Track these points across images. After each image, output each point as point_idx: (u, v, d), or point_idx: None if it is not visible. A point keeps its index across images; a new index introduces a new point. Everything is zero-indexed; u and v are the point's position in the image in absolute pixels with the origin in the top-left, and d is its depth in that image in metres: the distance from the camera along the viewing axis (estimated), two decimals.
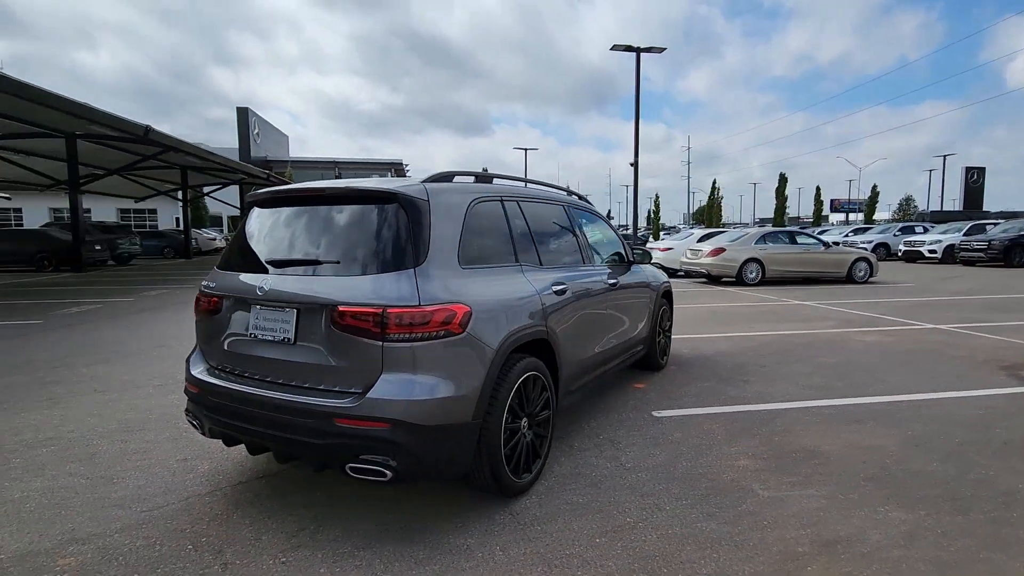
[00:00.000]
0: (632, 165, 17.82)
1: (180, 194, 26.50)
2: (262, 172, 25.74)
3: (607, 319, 4.02)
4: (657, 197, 39.23)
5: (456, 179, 3.07)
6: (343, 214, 2.65)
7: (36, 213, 35.54)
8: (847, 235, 25.84)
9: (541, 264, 3.32)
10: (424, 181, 2.78)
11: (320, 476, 3.07)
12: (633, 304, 4.62)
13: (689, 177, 60.77)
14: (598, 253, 4.41)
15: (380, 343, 2.31)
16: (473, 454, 2.55)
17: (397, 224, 2.52)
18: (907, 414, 4.08)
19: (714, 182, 42.16)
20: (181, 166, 23.58)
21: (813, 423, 3.91)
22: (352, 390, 2.35)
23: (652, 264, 5.70)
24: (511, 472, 2.75)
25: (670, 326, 5.62)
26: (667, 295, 5.51)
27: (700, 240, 15.38)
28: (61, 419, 4.09)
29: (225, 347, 2.75)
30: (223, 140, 42.12)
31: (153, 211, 38.76)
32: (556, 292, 3.26)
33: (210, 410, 2.70)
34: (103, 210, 34.04)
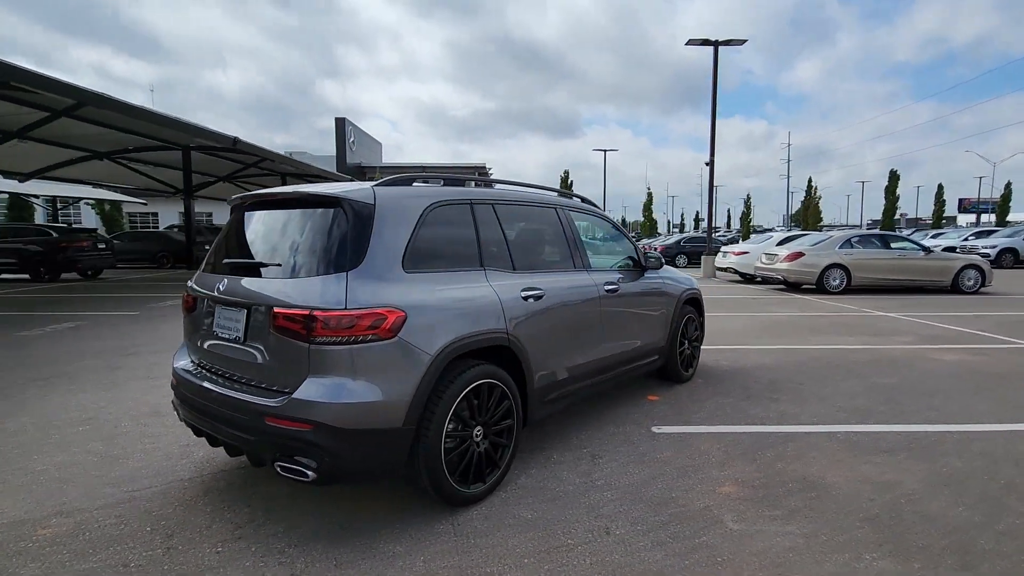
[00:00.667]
0: (707, 164, 16.89)
1: None
2: (347, 179, 27.30)
3: (603, 326, 3.84)
4: (749, 197, 37.04)
5: (429, 183, 3.07)
6: (295, 218, 2.73)
7: (169, 216, 40.06)
8: (966, 239, 22.86)
9: (514, 269, 3.23)
10: (378, 185, 2.81)
11: None
12: (642, 312, 4.38)
13: (788, 176, 56.63)
14: (600, 258, 4.23)
15: (307, 345, 2.36)
16: (405, 460, 2.53)
17: (338, 228, 2.56)
18: (953, 447, 3.53)
19: (810, 180, 38.85)
20: (281, 173, 25.57)
21: (830, 451, 3.49)
22: (283, 390, 2.42)
23: (681, 270, 5.38)
24: (456, 481, 2.69)
25: (699, 336, 5.26)
26: (693, 303, 5.18)
27: (780, 243, 14.28)
28: (108, 401, 4.56)
29: (197, 343, 2.94)
30: (328, 148, 45.10)
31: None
32: (527, 298, 3.16)
33: (182, 401, 2.90)
34: (224, 214, 37.90)
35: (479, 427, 2.83)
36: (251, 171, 22.50)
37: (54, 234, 15.81)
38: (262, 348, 2.53)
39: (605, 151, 36.34)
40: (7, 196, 32.29)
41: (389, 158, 54.42)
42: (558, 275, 3.56)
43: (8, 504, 2.85)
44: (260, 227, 2.89)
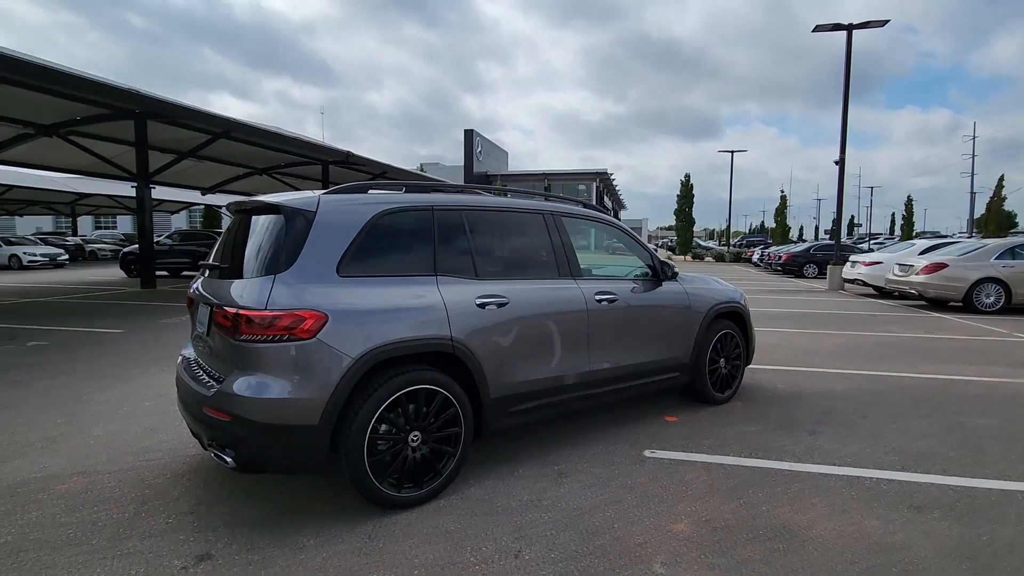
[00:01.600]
0: (837, 163, 14.92)
1: None
2: (457, 186, 28.78)
3: (593, 338, 3.63)
4: (910, 200, 32.14)
5: (389, 191, 3.17)
6: (254, 224, 2.97)
7: None
8: None
9: (477, 276, 3.19)
10: (330, 193, 2.95)
11: None
12: (653, 324, 4.06)
13: (973, 173, 48.09)
14: (607, 267, 4.01)
15: (234, 341, 2.56)
16: (324, 457, 2.62)
17: (279, 234, 2.74)
18: (1015, 511, 2.79)
19: (1000, 179, 32.41)
20: (405, 184, 27.65)
21: (840, 498, 2.95)
22: (218, 382, 2.65)
23: (720, 280, 4.90)
24: (385, 484, 2.73)
25: (740, 354, 4.73)
26: (733, 317, 4.67)
27: (923, 252, 12.22)
28: None
29: (191, 336, 3.32)
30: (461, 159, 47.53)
31: None
32: (485, 305, 3.11)
33: (177, 387, 3.30)
34: None
35: (416, 432, 2.84)
36: (378, 180, 24.60)
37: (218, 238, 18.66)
38: (212, 343, 2.79)
39: (732, 152, 33.84)
40: (203, 207, 38.83)
41: (522, 166, 56.30)
42: (535, 284, 3.44)
43: (54, 462, 3.45)
44: (235, 232, 3.18)
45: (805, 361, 6.21)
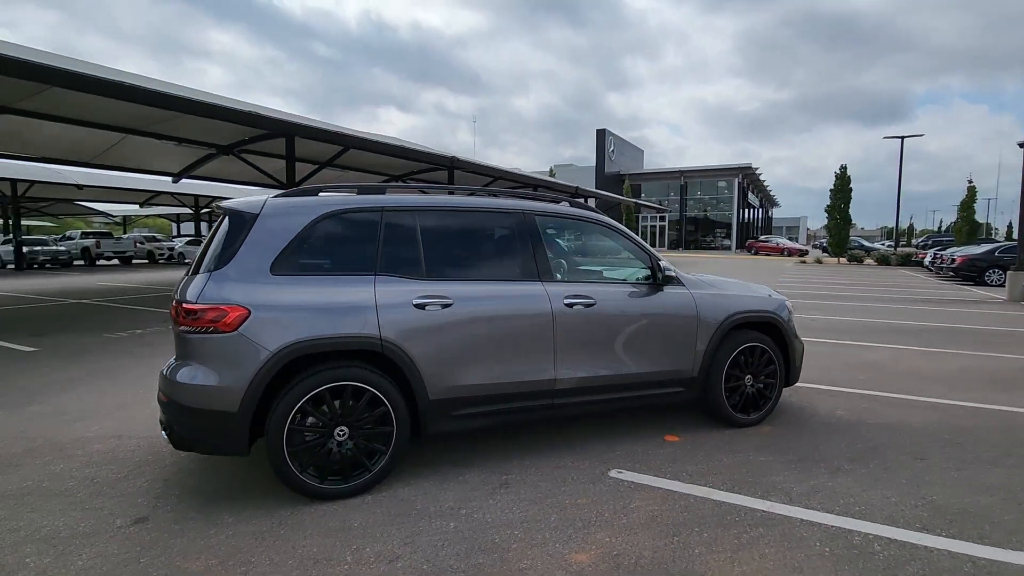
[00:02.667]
0: (1023, 146, 12.00)
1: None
2: (569, 187, 28.49)
3: (562, 344, 3.40)
4: None
5: (341, 192, 3.29)
6: (219, 226, 3.26)
7: None
8: None
9: (426, 276, 3.18)
10: (279, 196, 3.15)
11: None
12: (642, 332, 3.68)
13: None
14: (595, 270, 3.75)
15: (177, 332, 2.86)
16: (244, 442, 2.80)
17: (225, 235, 2.98)
18: None
19: None
20: (522, 185, 28.19)
21: (802, 554, 2.42)
22: (170, 368, 2.97)
23: (757, 286, 4.29)
24: (302, 472, 2.85)
25: (775, 371, 4.09)
26: (764, 328, 4.08)
27: None
28: None
29: None
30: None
31: None
32: (424, 306, 3.08)
33: None
34: None
35: (343, 427, 2.92)
36: (500, 183, 25.41)
37: None
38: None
39: (902, 138, 28.87)
40: None
41: (667, 163, 54.13)
42: (489, 285, 3.32)
43: (109, 425, 4.12)
44: (210, 234, 3.52)
45: (897, 385, 5.16)
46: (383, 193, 3.36)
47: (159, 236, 34.81)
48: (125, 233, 34.66)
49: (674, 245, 47.10)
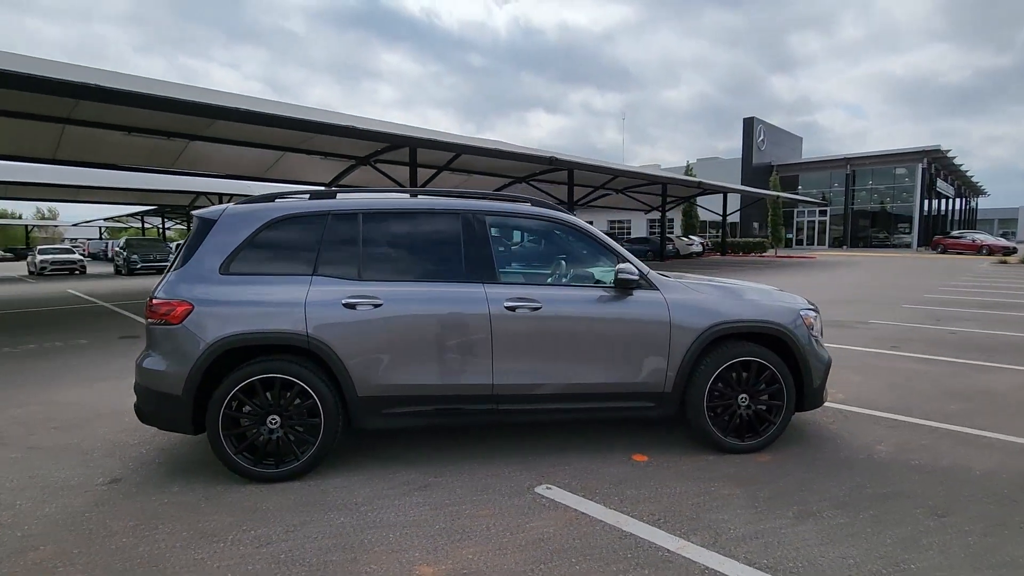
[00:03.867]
0: None
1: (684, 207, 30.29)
2: (690, 182, 26.47)
3: (497, 348, 3.27)
4: None
5: (294, 198, 3.53)
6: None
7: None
8: None
9: (360, 278, 3.28)
10: (242, 203, 3.46)
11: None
12: (600, 339, 3.39)
13: None
14: (552, 271, 3.55)
15: (145, 323, 3.31)
16: (189, 421, 3.13)
17: (190, 239, 3.37)
18: None
19: None
20: (662, 183, 27.02)
21: None
22: None
23: (768, 290, 3.70)
24: (236, 455, 3.11)
25: (780, 391, 3.48)
26: (766, 341, 3.51)
27: None
28: None
29: None
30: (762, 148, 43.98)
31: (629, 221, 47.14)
32: (352, 306, 3.18)
33: None
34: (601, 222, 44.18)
35: (275, 416, 3.14)
36: (619, 181, 24.71)
37: None
38: None
39: None
40: None
41: (843, 149, 48.30)
42: (423, 286, 3.32)
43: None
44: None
45: (995, 420, 4.06)
46: (333, 198, 3.53)
47: None
48: None
49: (837, 243, 41.58)
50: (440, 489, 3.07)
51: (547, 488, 3.06)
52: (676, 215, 37.63)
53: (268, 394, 3.14)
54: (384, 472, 3.28)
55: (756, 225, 41.51)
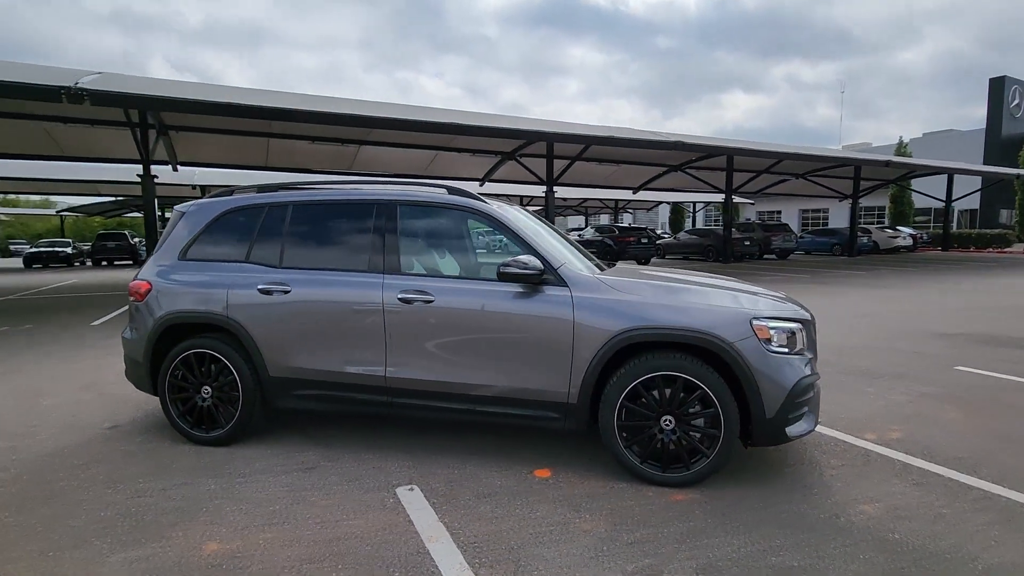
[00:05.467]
0: None
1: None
2: (877, 161, 21.45)
3: (390, 340, 3.21)
4: None
5: (247, 192, 3.86)
6: None
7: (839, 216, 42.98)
8: None
9: (280, 265, 3.47)
10: (211, 196, 3.90)
11: None
12: (495, 338, 3.10)
13: None
14: (458, 264, 3.36)
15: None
16: (151, 384, 3.65)
17: (167, 228, 3.91)
18: None
19: None
20: (850, 164, 23.07)
21: None
22: None
23: (726, 289, 3.02)
24: (180, 418, 3.55)
25: (717, 417, 2.80)
26: (701, 353, 2.86)
27: None
28: None
29: None
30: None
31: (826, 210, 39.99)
32: (267, 291, 3.40)
33: None
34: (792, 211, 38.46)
35: (207, 387, 3.53)
36: (789, 164, 21.64)
37: (616, 231, 21.05)
38: None
39: None
40: (671, 204, 43.58)
41: None
42: (331, 275, 3.38)
43: None
44: None
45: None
46: (276, 191, 3.78)
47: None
48: None
49: None
50: (318, 472, 3.13)
51: (409, 489, 2.92)
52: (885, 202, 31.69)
53: (203, 368, 3.52)
54: (293, 450, 3.45)
55: (1006, 213, 32.90)
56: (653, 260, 22.74)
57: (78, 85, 8.40)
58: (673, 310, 2.92)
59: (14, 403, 4.46)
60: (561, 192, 31.27)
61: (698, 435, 2.87)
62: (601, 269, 4.04)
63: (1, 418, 4.11)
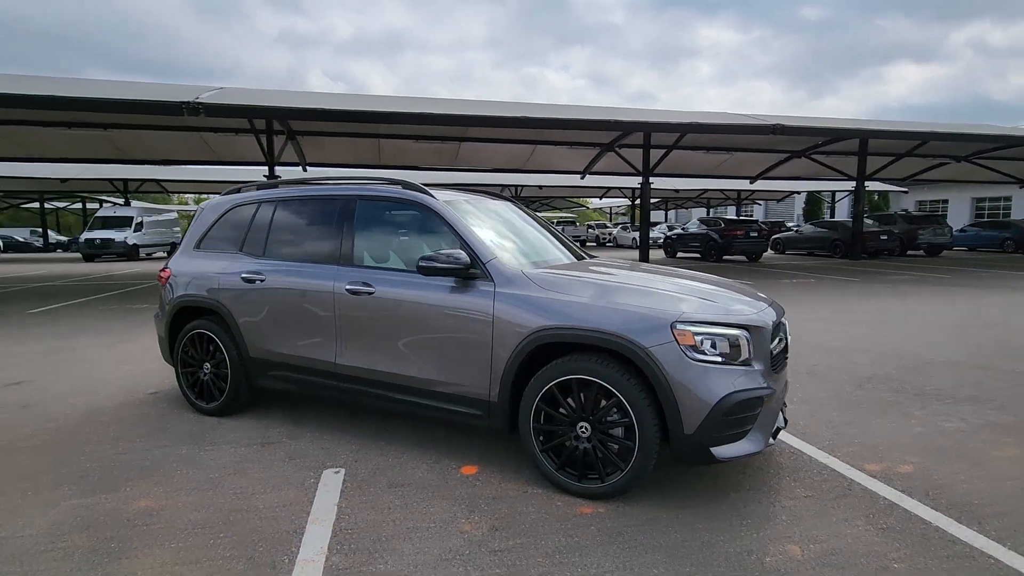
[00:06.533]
0: None
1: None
2: (1016, 138, 17.10)
3: (340, 329, 3.38)
4: None
5: (256, 189, 4.23)
6: None
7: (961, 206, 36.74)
8: None
9: (263, 255, 3.78)
10: (225, 193, 4.33)
11: None
12: (422, 332, 3.12)
13: None
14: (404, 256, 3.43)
15: None
16: (171, 356, 4.18)
17: (192, 222, 4.42)
18: None
19: None
20: (257, 183, 19.59)
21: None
22: None
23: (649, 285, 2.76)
24: (189, 388, 4.04)
25: (633, 428, 2.57)
26: (614, 355, 2.65)
27: None
28: None
29: None
30: None
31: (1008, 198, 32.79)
32: (248, 279, 3.73)
33: None
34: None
35: (207, 364, 3.96)
36: (934, 146, 18.43)
37: (722, 224, 19.59)
38: None
39: None
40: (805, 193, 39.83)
41: None
42: (297, 266, 3.60)
43: None
44: None
45: None
46: (271, 189, 4.10)
47: (607, 224, 41.34)
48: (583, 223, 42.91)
49: None
50: (272, 448, 3.38)
51: (335, 471, 3.06)
52: None
53: (203, 347, 3.97)
54: (268, 426, 3.76)
55: None
56: (766, 256, 20.86)
57: (197, 100, 9.75)
58: (590, 310, 2.71)
59: (104, 366, 5.35)
60: (668, 183, 29.88)
61: (616, 446, 2.65)
62: (580, 259, 3.89)
63: (89, 376, 4.97)
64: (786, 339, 3.08)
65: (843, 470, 3.01)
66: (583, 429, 2.70)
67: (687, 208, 54.10)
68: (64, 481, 2.96)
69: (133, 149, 18.47)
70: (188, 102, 9.56)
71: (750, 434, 2.63)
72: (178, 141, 17.74)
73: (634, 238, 29.39)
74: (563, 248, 4.00)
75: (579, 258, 3.95)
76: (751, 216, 46.82)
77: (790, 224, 34.09)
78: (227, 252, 4.01)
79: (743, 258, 19.85)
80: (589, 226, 38.21)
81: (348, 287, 3.35)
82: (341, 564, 2.22)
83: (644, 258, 17.20)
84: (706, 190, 37.20)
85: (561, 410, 2.74)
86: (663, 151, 17.47)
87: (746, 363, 2.62)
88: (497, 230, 3.49)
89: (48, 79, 13.96)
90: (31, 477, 3.02)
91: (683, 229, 21.56)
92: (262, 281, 3.69)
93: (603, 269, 3.36)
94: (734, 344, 2.60)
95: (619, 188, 34.11)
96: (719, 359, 2.56)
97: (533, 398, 2.79)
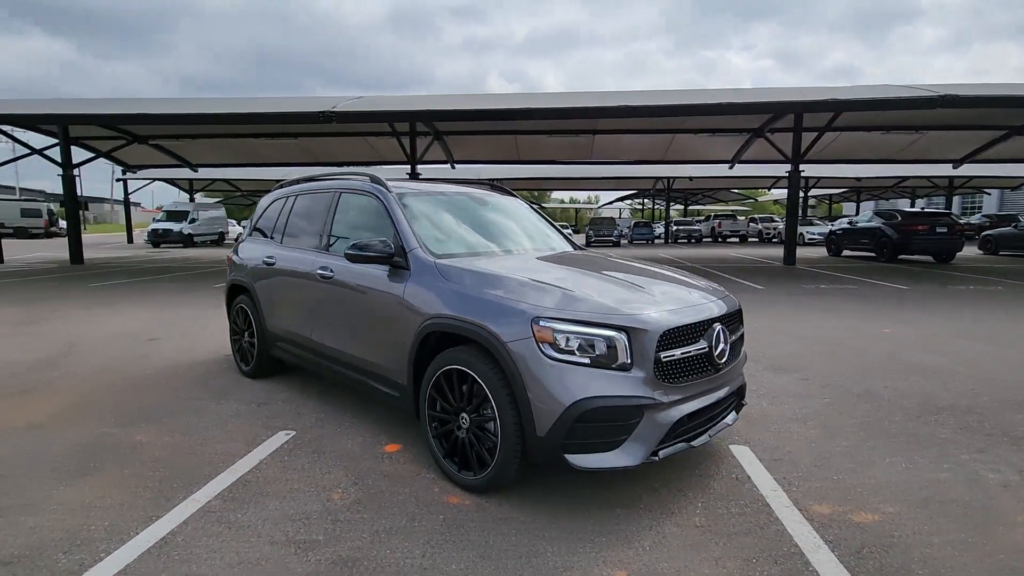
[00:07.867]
0: None
1: None
2: None
3: (315, 309, 3.79)
4: None
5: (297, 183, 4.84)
6: None
7: None
8: None
9: (281, 242, 4.36)
10: (281, 185, 5.02)
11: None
12: (359, 315, 3.39)
13: None
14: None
15: None
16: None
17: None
18: None
19: None
20: (298, 178, 13.26)
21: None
22: None
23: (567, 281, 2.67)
24: (234, 354, 4.84)
25: (495, 421, 2.52)
26: (478, 347, 2.60)
27: None
28: None
29: None
30: None
31: None
32: (266, 262, 4.34)
33: None
34: None
35: (246, 333, 4.70)
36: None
37: (898, 217, 16.47)
38: None
39: None
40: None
41: None
42: (295, 252, 4.08)
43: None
44: None
45: None
46: (296, 184, 4.65)
47: (775, 218, 37.22)
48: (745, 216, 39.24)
49: None
50: (260, 408, 3.89)
51: (286, 434, 3.44)
52: None
53: (243, 320, 4.71)
54: (277, 388, 4.32)
55: None
56: (968, 258, 17.04)
57: (334, 108, 11.18)
58: (467, 300, 2.69)
59: (213, 332, 6.57)
60: (837, 170, 25.83)
61: (489, 441, 2.60)
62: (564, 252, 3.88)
63: (200, 337, 6.17)
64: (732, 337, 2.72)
65: (778, 507, 2.54)
66: (463, 420, 2.70)
67: (887, 199, 46.29)
68: (111, 415, 3.80)
69: (320, 153, 21.66)
70: (323, 111, 11.02)
71: (624, 445, 2.39)
72: (350, 144, 20.39)
73: (802, 233, 26.15)
74: (556, 240, 4.04)
75: (572, 250, 4.00)
76: (958, 208, 38.49)
77: None
78: (262, 239, 4.68)
79: (930, 259, 16.51)
80: (752, 220, 34.71)
81: (319, 271, 3.73)
82: (216, 507, 2.57)
83: (790, 259, 15.30)
84: (905, 177, 31.55)
85: (450, 399, 2.77)
86: (815, 134, 15.31)
87: (623, 367, 2.38)
88: (443, 223, 3.58)
89: (231, 99, 17.09)
90: (94, 409, 3.92)
91: (850, 223, 18.52)
92: (273, 264, 4.26)
93: (517, 260, 3.28)
94: (610, 346, 2.38)
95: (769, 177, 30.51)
96: (586, 360, 2.37)
97: (427, 385, 2.86)
